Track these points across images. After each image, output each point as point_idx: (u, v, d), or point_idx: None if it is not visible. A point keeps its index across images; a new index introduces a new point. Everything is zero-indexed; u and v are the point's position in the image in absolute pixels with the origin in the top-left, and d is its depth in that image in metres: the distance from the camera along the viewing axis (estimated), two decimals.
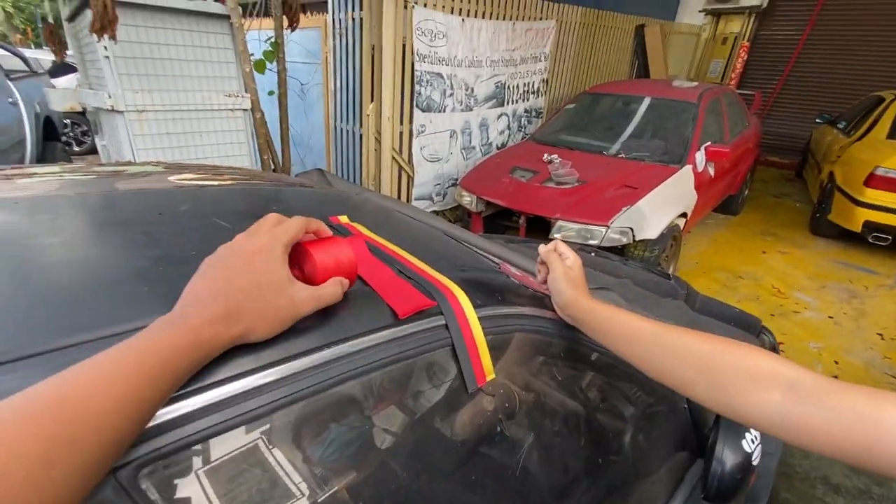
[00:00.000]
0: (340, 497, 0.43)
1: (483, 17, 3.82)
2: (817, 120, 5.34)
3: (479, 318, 0.57)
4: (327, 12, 3.49)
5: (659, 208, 2.90)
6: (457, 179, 4.06)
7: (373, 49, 3.29)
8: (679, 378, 0.54)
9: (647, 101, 3.88)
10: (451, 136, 3.99)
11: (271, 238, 0.42)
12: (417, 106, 3.57)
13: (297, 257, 0.49)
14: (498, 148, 4.45)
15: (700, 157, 3.38)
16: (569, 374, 0.76)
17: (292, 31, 2.51)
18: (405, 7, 3.18)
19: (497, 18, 3.94)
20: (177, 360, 0.32)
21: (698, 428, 0.95)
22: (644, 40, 5.92)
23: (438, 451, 0.55)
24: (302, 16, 2.87)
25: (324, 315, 0.45)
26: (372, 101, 3.43)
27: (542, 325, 0.66)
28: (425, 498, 0.53)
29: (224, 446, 0.36)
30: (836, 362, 2.60)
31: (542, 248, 0.69)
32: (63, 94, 2.25)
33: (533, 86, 4.67)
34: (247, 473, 0.38)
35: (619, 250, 2.84)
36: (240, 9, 2.05)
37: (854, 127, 4.45)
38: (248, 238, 0.42)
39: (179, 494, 0.34)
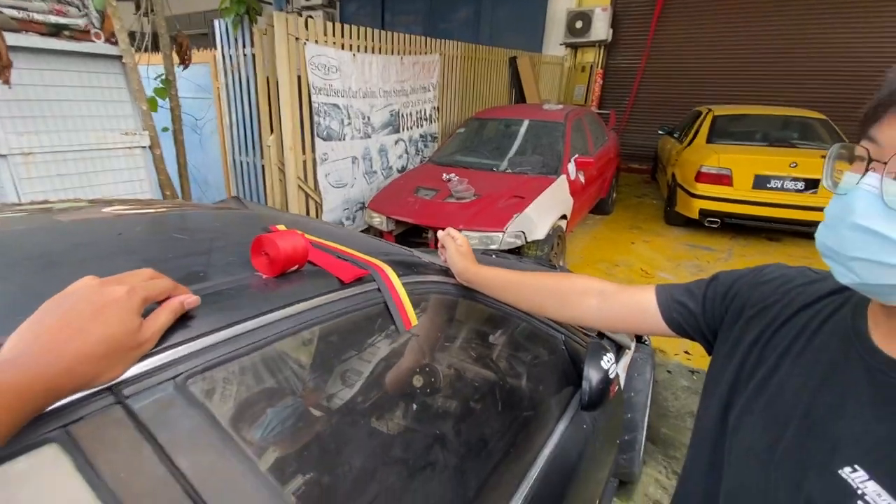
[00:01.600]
0: (310, 396, 0.60)
1: (373, 51, 4.10)
2: (659, 131, 6.46)
3: (403, 283, 0.78)
4: (215, 48, 3.51)
5: (543, 213, 3.36)
6: (364, 203, 4.23)
7: (268, 81, 3.38)
8: (539, 304, 0.80)
9: (525, 123, 4.45)
10: (353, 163, 4.17)
11: (131, 290, 0.42)
12: (318, 135, 3.71)
13: (263, 246, 0.66)
14: (399, 171, 4.72)
15: (571, 167, 3.97)
16: (476, 330, 1.00)
17: (185, 68, 2.53)
18: (297, 40, 3.34)
19: (386, 53, 4.26)
20: (21, 404, 0.33)
21: (576, 365, 1.24)
22: (517, 70, 6.70)
23: (380, 381, 0.75)
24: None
25: (291, 283, 0.63)
26: (272, 132, 3.50)
27: (448, 288, 0.89)
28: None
29: (235, 368, 0.53)
30: None
31: (439, 233, 0.93)
32: None
33: (425, 113, 5.05)
34: (246, 387, 0.55)
35: (517, 251, 3.23)
36: (132, 49, 2.06)
37: (684, 135, 5.51)
38: (102, 287, 0.42)
39: (210, 395, 0.50)
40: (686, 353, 2.85)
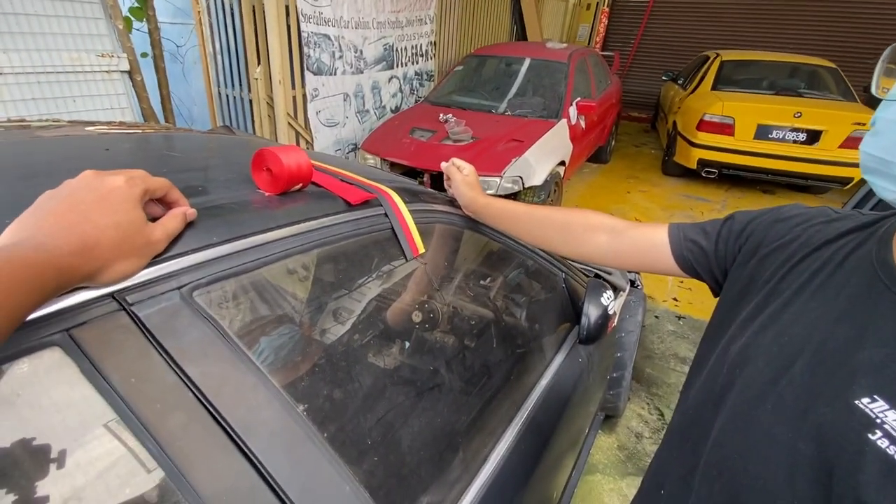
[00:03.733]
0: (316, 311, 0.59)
1: None
2: (663, 77, 6.24)
3: (409, 211, 0.75)
4: None
5: (542, 158, 3.29)
6: (356, 144, 4.10)
7: (253, 9, 3.15)
8: (546, 238, 0.78)
9: (526, 62, 4.24)
10: (344, 100, 3.99)
11: (130, 180, 0.41)
12: (308, 68, 3.51)
13: (265, 161, 0.62)
14: (392, 111, 4.53)
15: (573, 111, 3.84)
16: (481, 263, 0.99)
17: None
18: None
19: None
20: (41, 281, 0.31)
21: (574, 303, 1.25)
22: (520, 5, 6.30)
23: (384, 309, 0.74)
24: None
25: (296, 201, 0.60)
26: (259, 64, 3.30)
27: (454, 219, 0.86)
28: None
29: (243, 283, 0.51)
30: None
31: (443, 164, 0.89)
32: None
33: (421, 48, 4.78)
34: (254, 303, 0.53)
35: (513, 197, 3.19)
36: None
37: (689, 82, 5.33)
38: (101, 176, 0.40)
39: (217, 308, 0.48)
40: (674, 299, 2.91)
